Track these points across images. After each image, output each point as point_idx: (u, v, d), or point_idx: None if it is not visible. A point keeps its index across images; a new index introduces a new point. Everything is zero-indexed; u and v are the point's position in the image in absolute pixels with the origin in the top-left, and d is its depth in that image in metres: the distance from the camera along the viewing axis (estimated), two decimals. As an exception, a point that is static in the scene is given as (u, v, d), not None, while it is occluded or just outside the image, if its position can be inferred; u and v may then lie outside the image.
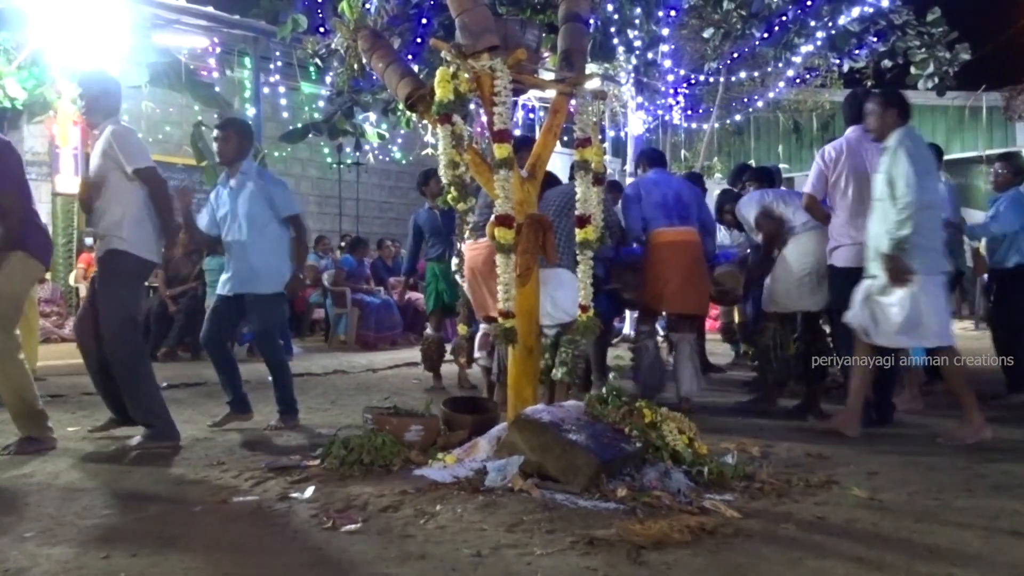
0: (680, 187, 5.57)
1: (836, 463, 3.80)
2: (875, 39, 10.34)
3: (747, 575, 2.39)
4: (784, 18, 10.58)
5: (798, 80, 13.73)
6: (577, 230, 4.16)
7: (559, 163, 6.65)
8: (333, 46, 6.62)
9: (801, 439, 4.37)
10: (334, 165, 14.63)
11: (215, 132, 4.99)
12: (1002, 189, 5.98)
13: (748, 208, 5.44)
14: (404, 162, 14.66)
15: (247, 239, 4.79)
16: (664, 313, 5.88)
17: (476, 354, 5.71)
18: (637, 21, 10.63)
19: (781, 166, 15.40)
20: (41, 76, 8.80)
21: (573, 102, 4.18)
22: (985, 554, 2.59)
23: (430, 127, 5.96)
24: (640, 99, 12.74)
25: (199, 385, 6.74)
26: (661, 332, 6.72)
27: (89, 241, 10.15)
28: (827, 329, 5.40)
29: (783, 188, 6.05)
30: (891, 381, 4.92)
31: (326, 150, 14.50)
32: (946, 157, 12.19)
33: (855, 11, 10.12)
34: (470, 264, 5.07)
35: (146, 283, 6.01)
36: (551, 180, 5.27)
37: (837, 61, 11.63)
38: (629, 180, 12.94)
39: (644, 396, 4.61)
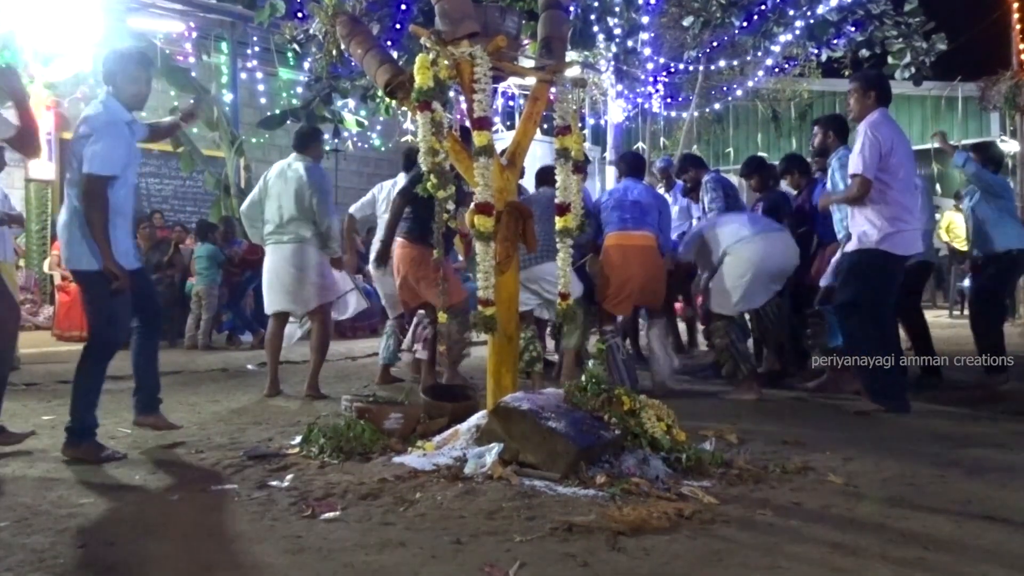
0: (642, 193, 5.72)
1: (812, 450, 3.84)
2: (853, 28, 10.38)
3: (724, 560, 2.41)
4: (763, 7, 10.60)
5: (777, 69, 13.77)
6: (557, 218, 4.16)
7: (539, 151, 6.65)
8: (311, 31, 6.58)
9: (778, 426, 4.41)
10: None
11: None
12: None
13: (686, 251, 5.76)
14: (383, 149, 14.58)
15: None
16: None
17: (414, 346, 5.76)
18: (617, 9, 10.61)
19: (760, 155, 15.52)
20: (13, 60, 8.66)
21: (553, 90, 4.17)
22: (957, 538, 2.63)
23: (410, 114, 5.95)
24: (620, 87, 12.72)
25: (176, 373, 6.68)
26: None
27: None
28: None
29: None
30: (894, 374, 4.77)
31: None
32: (923, 146, 12.36)
33: (833, 0, 10.16)
34: (397, 262, 5.51)
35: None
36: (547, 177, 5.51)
37: (816, 51, 11.67)
38: (609, 168, 13.01)
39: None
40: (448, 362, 5.51)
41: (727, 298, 5.33)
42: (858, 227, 4.72)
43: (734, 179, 8.47)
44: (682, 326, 8.16)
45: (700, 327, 7.74)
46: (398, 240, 5.52)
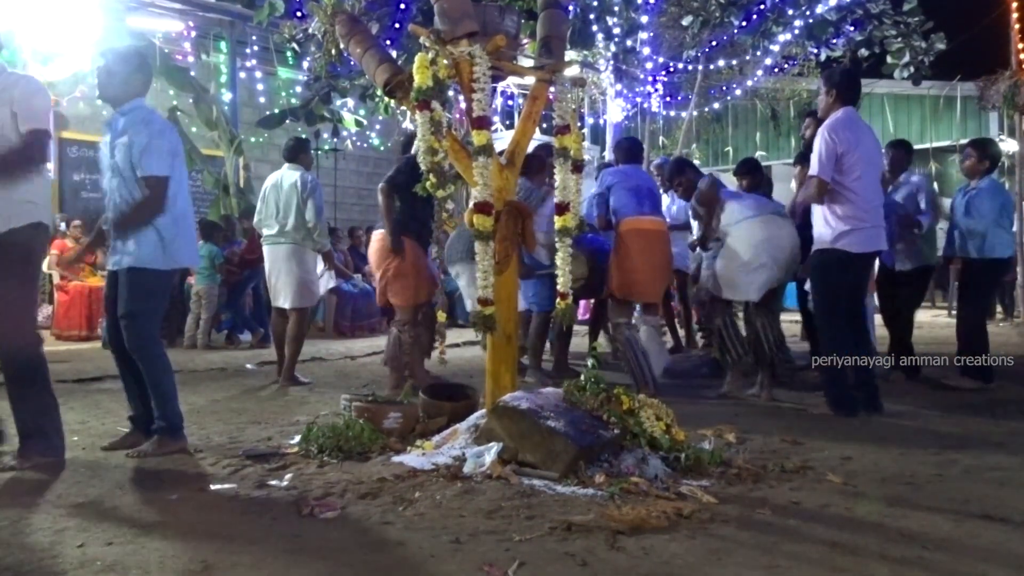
0: (651, 183, 5.82)
1: (811, 449, 3.85)
2: (852, 28, 10.39)
3: (723, 559, 2.42)
4: (762, 6, 10.61)
5: (776, 69, 13.78)
6: (556, 217, 4.17)
7: (538, 150, 6.65)
8: (310, 31, 6.58)
9: (777, 425, 4.41)
10: (311, 151, 14.54)
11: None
12: (971, 176, 5.82)
13: (703, 183, 5.60)
14: (382, 148, 14.57)
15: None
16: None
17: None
18: (616, 8, 10.63)
19: (759, 154, 15.55)
20: (12, 59, 8.64)
21: (552, 89, 4.17)
22: (956, 537, 2.63)
23: (409, 113, 5.95)
24: (619, 86, 12.72)
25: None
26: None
27: (63, 226, 10.03)
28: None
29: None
30: (869, 373, 4.78)
31: (303, 136, 14.37)
32: (922, 146, 12.38)
33: (832, 0, 10.17)
34: (371, 254, 5.65)
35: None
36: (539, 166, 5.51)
37: (815, 50, 11.68)
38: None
39: (655, 385, 4.98)
40: (406, 366, 5.48)
41: (733, 284, 5.27)
42: (817, 227, 4.76)
43: (733, 180, 8.45)
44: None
45: (695, 323, 7.75)
46: (377, 233, 5.55)
